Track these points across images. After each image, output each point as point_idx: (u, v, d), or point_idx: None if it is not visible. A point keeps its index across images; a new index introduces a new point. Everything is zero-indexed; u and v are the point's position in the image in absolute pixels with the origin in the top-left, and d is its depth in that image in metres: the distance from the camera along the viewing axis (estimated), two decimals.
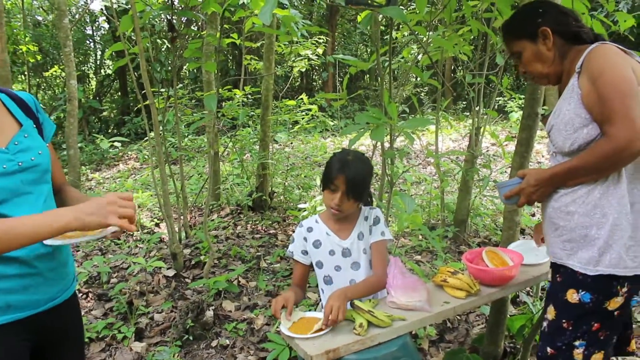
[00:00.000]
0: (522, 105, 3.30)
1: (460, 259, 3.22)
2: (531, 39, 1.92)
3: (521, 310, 3.55)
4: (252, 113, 7.70)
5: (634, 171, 1.73)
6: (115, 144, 11.09)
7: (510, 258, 2.33)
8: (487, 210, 6.02)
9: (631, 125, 1.55)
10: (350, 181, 2.10)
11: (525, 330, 3.03)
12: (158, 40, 12.26)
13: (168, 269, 4.42)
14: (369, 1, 2.43)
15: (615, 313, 1.76)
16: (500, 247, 2.52)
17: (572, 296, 1.78)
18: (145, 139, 11.42)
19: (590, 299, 1.75)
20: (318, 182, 6.95)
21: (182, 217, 5.21)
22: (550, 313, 1.87)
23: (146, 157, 10.94)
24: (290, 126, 8.19)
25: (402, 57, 5.50)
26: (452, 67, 17.63)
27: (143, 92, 4.28)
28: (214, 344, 3.39)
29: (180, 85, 11.62)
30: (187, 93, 8.21)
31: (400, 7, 3.60)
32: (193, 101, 9.61)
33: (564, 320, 1.81)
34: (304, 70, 8.16)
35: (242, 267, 4.44)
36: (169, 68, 12.58)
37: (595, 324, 1.77)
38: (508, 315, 3.00)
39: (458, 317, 3.62)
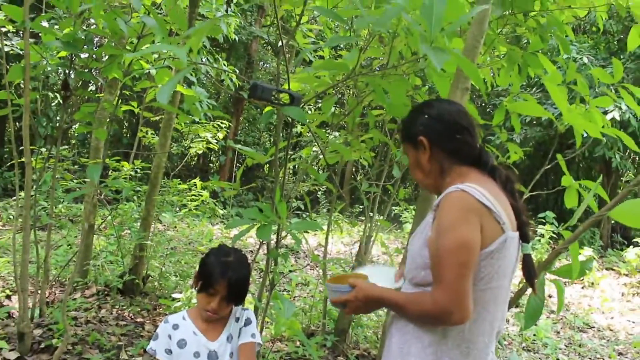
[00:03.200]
0: None
1: None
2: (413, 145, 1.84)
3: None
4: (139, 189, 7.54)
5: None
6: None
7: None
8: (369, 322, 6.10)
9: (454, 298, 1.55)
10: (232, 286, 2.08)
11: None
12: (49, 94, 11.91)
13: (11, 350, 4.06)
14: (273, 98, 2.53)
15: None
16: None
17: None
18: (14, 197, 10.79)
19: None
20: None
21: (39, 292, 4.88)
22: None
23: (11, 217, 10.28)
24: (178, 208, 8.06)
25: (303, 154, 5.68)
26: (353, 171, 18.32)
27: (21, 147, 4.11)
28: None
29: (66, 146, 11.23)
30: (71, 156, 7.94)
31: (308, 104, 3.76)
32: (76, 166, 9.30)
33: None
34: (201, 152, 8.18)
35: (99, 356, 4.18)
36: (57, 124, 12.19)
37: None
38: None
39: None
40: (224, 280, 2.06)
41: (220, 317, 2.19)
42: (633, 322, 7.81)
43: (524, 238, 1.74)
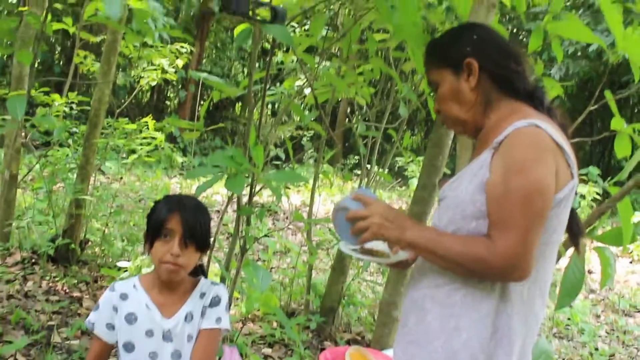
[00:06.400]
0: None
1: None
2: (453, 70, 1.86)
3: None
4: (75, 130, 7.49)
5: (512, 291, 1.73)
6: None
7: None
8: (365, 299, 6.19)
9: (523, 251, 1.61)
10: (188, 220, 2.09)
11: None
12: None
13: None
14: (251, 13, 2.51)
15: None
16: (371, 348, 2.62)
17: None
18: None
19: None
20: None
21: None
22: None
23: None
24: (125, 155, 8.03)
25: (285, 89, 5.66)
26: (347, 112, 18.30)
27: None
28: None
29: None
30: None
31: (293, 25, 3.74)
32: None
33: None
34: (155, 84, 8.11)
35: (24, 339, 4.23)
36: None
37: None
38: None
39: None
40: (174, 212, 2.08)
41: (181, 287, 2.22)
42: None
43: None
